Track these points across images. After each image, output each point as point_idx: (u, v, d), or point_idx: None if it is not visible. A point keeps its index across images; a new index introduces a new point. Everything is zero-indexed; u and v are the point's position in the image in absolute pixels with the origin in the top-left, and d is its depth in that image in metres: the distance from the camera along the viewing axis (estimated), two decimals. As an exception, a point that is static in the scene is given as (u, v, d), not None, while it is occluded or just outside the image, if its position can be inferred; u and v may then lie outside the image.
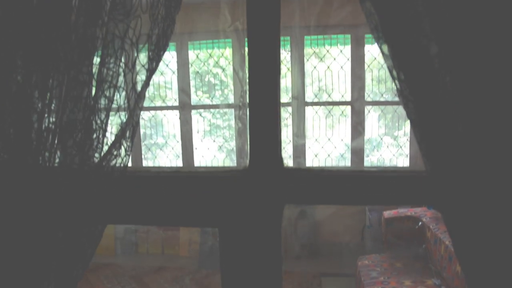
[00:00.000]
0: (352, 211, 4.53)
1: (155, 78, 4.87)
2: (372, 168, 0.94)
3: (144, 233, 4.93)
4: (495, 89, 0.74)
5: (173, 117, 4.97)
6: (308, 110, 4.59)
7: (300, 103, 4.54)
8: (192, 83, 4.83)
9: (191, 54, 4.75)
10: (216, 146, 4.95)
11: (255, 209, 0.95)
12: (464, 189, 0.80)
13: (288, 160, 4.74)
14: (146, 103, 4.96)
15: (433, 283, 3.20)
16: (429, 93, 0.75)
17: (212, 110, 4.95)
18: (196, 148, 4.87)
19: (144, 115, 5.04)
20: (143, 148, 5.06)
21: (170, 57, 4.76)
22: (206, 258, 4.42)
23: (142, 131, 5.08)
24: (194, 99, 4.86)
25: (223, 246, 0.98)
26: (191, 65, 4.77)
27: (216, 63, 4.84)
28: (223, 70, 4.85)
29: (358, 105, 4.45)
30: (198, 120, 4.99)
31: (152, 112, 5.01)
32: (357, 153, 4.56)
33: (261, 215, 0.94)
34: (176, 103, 4.86)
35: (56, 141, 0.99)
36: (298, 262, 4.53)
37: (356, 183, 0.92)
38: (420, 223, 3.66)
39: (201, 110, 4.93)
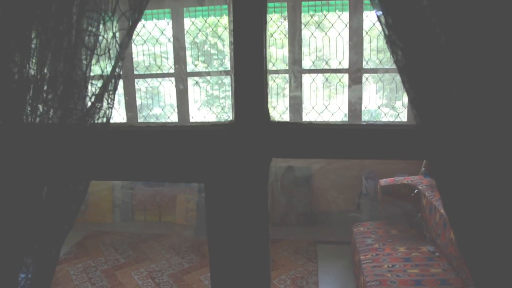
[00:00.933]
0: (349, 179, 4.54)
1: (151, 48, 4.80)
2: (361, 122, 0.92)
3: (142, 201, 4.95)
4: (485, 35, 0.71)
5: (170, 86, 4.93)
6: (306, 78, 4.54)
7: (297, 70, 4.49)
8: (188, 52, 4.76)
9: (187, 22, 4.68)
10: (214, 116, 4.92)
11: (241, 163, 0.93)
12: (454, 141, 0.78)
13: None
14: (141, 71, 4.91)
15: (428, 250, 3.22)
16: (417, 38, 0.72)
17: (210, 81, 4.91)
18: (192, 117, 4.84)
19: (141, 86, 5.00)
20: (140, 119, 5.02)
21: (165, 24, 4.68)
22: (203, 226, 4.44)
23: (138, 101, 5.04)
24: (190, 68, 4.81)
25: (209, 201, 0.97)
26: (187, 33, 4.70)
27: (214, 32, 4.76)
28: (219, 37, 4.78)
29: (355, 73, 4.40)
30: (195, 90, 4.94)
31: (149, 80, 4.97)
32: (354, 120, 4.54)
33: (247, 169, 0.93)
34: (172, 71, 4.81)
35: (37, 94, 0.96)
36: (294, 230, 4.55)
37: (344, 137, 0.90)
38: (416, 190, 3.67)
39: (199, 80, 4.89)
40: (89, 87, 0.93)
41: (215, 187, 0.95)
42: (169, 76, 4.87)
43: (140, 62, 4.93)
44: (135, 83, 4.97)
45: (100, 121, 0.96)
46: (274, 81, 4.69)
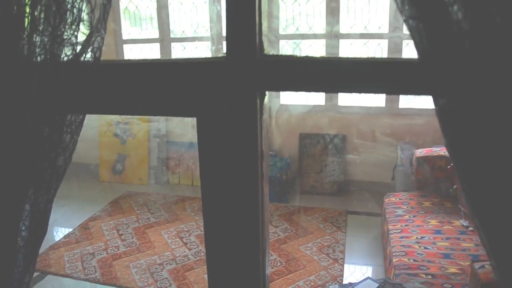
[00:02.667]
0: (384, 150, 4.42)
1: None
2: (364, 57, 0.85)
3: (176, 165, 5.01)
4: None
5: (206, 50, 4.91)
6: (343, 43, 4.41)
7: (333, 35, 4.36)
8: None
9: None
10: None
11: (233, 97, 0.88)
12: (459, 75, 0.70)
13: (321, 97, 4.63)
14: (178, 35, 4.91)
15: (461, 224, 3.10)
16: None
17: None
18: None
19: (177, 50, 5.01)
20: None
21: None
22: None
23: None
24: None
25: (201, 136, 0.94)
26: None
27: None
28: None
29: (395, 37, 4.23)
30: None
31: (185, 44, 4.97)
32: (393, 90, 4.38)
33: (239, 102, 0.88)
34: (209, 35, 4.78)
35: (31, 25, 0.95)
36: (326, 199, 4.50)
37: (342, 70, 0.84)
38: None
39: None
40: (82, 14, 0.91)
41: (207, 122, 0.92)
42: (205, 40, 4.85)
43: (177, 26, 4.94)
44: (171, 47, 5.00)
45: (93, 51, 0.94)
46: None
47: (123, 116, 5.06)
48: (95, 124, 5.18)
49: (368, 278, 2.22)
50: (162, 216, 4.18)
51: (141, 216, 4.21)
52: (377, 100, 4.49)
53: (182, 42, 5.01)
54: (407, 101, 4.46)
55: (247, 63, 0.87)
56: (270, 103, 4.67)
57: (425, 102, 4.44)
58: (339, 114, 4.55)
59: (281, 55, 0.88)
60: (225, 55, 0.89)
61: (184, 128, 4.99)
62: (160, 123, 5.02)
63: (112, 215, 4.24)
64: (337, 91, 0.85)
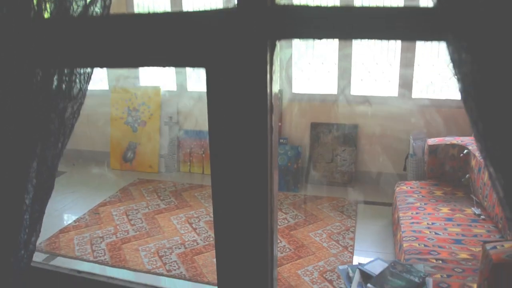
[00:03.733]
0: (396, 140, 4.38)
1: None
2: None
3: (187, 153, 5.02)
4: None
5: None
6: None
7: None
8: None
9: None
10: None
11: (243, 46, 0.87)
12: (477, 19, 0.68)
13: (333, 87, 4.60)
14: None
15: (473, 212, 3.06)
16: None
17: None
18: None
19: None
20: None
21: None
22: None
23: None
24: None
25: (210, 88, 0.93)
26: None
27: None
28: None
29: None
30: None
31: None
32: (406, 79, 4.34)
33: (249, 52, 0.87)
34: None
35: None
36: (337, 189, 4.47)
37: (355, 18, 0.82)
38: (465, 151, 3.48)
39: None
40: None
41: (216, 72, 0.91)
42: None
43: None
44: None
45: (102, 5, 0.94)
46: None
47: (135, 103, 5.08)
48: (107, 111, 5.20)
49: (377, 258, 2.19)
50: (172, 203, 4.19)
51: (151, 202, 4.22)
52: (391, 89, 4.45)
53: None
54: (420, 91, 4.41)
55: (258, 11, 0.86)
56: (282, 92, 4.65)
57: (439, 92, 4.39)
58: (352, 103, 4.52)
59: (292, 4, 0.87)
60: (236, 5, 0.88)
61: (195, 116, 4.99)
62: (172, 110, 5.02)
63: (122, 201, 4.25)
64: (349, 38, 0.84)
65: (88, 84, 1.02)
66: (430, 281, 2.04)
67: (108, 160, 5.25)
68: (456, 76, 0.75)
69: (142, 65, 1.04)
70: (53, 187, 1.14)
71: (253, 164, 0.92)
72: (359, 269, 2.06)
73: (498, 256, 1.89)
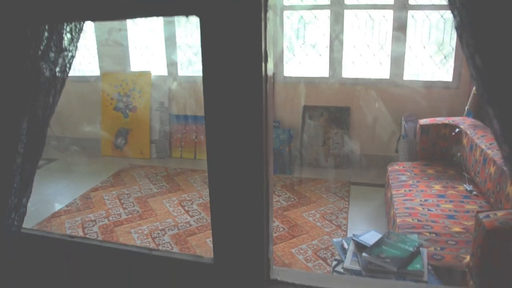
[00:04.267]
0: (388, 122, 4.38)
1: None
2: None
3: (178, 138, 4.99)
4: None
5: None
6: (347, 13, 4.36)
7: (339, 4, 4.31)
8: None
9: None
10: None
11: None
12: None
13: (324, 69, 4.58)
14: None
15: (465, 189, 3.08)
16: None
17: None
18: None
19: None
20: None
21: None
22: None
23: None
24: None
25: (204, 37, 0.91)
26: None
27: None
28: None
29: (400, 9, 4.18)
30: None
31: None
32: (397, 61, 4.34)
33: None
34: None
35: None
36: (330, 171, 4.48)
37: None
38: (457, 129, 3.49)
39: None
40: None
41: (210, 21, 0.89)
42: None
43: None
44: None
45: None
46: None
47: (126, 89, 5.03)
48: (98, 97, 5.15)
49: (372, 230, 2.19)
50: (164, 187, 4.17)
51: (143, 186, 4.19)
52: (382, 72, 4.45)
53: None
54: (411, 73, 4.41)
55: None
56: (274, 76, 4.62)
57: (430, 74, 4.40)
58: (343, 86, 4.51)
59: None
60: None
61: (187, 101, 4.96)
62: (163, 95, 4.99)
63: (114, 186, 4.22)
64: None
65: (80, 35, 1.00)
66: (424, 251, 2.04)
67: (99, 147, 5.21)
68: (453, 11, 0.74)
69: (134, 16, 1.01)
70: (44, 144, 1.12)
71: (248, 113, 0.91)
72: (354, 240, 2.06)
73: (491, 223, 1.90)
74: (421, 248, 2.04)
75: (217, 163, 1.00)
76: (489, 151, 2.89)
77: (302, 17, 4.57)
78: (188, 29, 4.93)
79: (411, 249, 1.98)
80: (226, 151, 0.97)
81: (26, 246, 1.32)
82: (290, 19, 4.61)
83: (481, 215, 1.97)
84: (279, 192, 3.98)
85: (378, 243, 2.00)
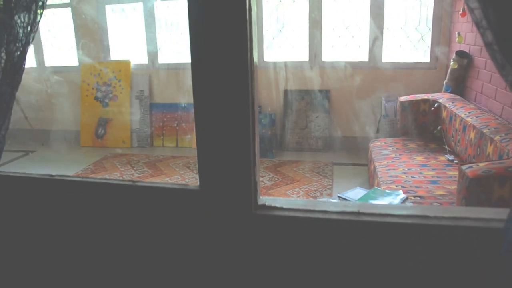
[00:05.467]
0: (368, 104, 4.42)
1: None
2: None
3: (160, 127, 4.95)
4: None
5: None
6: (326, -5, 4.39)
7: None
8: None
9: None
10: None
11: None
12: None
13: (304, 53, 4.60)
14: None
15: (446, 159, 3.12)
16: None
17: None
18: None
19: None
20: None
21: None
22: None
23: None
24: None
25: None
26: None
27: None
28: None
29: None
30: None
31: None
32: (376, 44, 4.38)
33: None
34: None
35: None
36: (312, 154, 4.49)
37: None
38: (436, 104, 3.54)
39: None
40: None
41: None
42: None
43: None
44: None
45: None
46: None
47: (105, 78, 4.98)
48: (77, 88, 5.08)
49: (358, 187, 2.20)
50: (146, 172, 4.13)
51: (125, 172, 4.15)
52: (361, 55, 4.48)
53: None
54: (390, 55, 4.46)
55: None
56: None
57: (408, 55, 4.45)
58: (323, 69, 4.53)
59: None
60: None
61: (167, 89, 4.92)
62: (143, 83, 4.94)
63: (95, 172, 4.17)
64: None
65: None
66: (410, 203, 2.05)
67: (78, 138, 5.13)
68: None
69: None
70: (24, 68, 1.09)
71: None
72: (339, 197, 2.06)
73: (474, 172, 1.92)
74: (406, 201, 2.05)
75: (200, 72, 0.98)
76: (468, 119, 2.93)
77: (280, 1, 4.59)
78: (169, 15, 4.90)
79: (397, 201, 1.99)
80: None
81: (3, 188, 1.29)
82: (268, 3, 4.62)
83: (464, 167, 1.99)
84: (262, 173, 3.97)
85: (364, 197, 2.01)
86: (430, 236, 1.00)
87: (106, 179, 1.25)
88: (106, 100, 5.00)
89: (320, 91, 4.55)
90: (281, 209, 1.08)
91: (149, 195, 1.15)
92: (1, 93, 1.07)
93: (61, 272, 1.29)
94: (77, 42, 5.07)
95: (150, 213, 1.16)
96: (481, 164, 1.99)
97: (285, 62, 4.61)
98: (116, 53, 5.09)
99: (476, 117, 2.90)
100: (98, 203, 1.20)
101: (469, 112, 3.04)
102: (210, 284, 1.16)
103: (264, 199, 1.11)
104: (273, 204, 1.10)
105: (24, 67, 1.09)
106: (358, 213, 1.03)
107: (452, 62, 3.67)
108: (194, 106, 1.03)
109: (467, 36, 3.67)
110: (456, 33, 3.81)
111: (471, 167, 1.97)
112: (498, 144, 2.36)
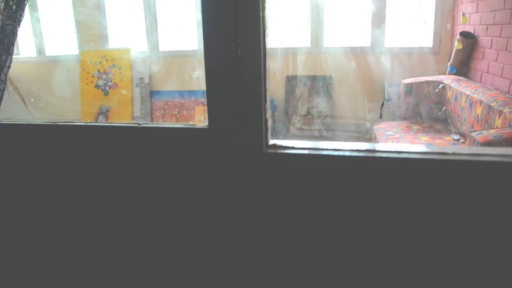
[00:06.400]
0: (371, 89, 4.38)
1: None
2: None
3: (161, 115, 4.91)
4: None
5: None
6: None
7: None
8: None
9: None
10: None
11: None
12: None
13: (306, 39, 4.57)
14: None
15: (452, 138, 3.08)
16: None
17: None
18: None
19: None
20: None
21: None
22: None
23: None
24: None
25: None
26: None
27: None
28: None
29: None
30: None
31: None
32: (378, 29, 4.35)
33: None
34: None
35: None
36: (314, 139, 4.45)
37: None
38: (441, 85, 3.50)
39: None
40: None
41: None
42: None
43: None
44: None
45: None
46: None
47: (106, 66, 4.94)
48: (77, 77, 5.04)
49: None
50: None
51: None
52: (363, 40, 4.45)
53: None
54: (392, 40, 4.42)
55: None
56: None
57: (410, 40, 4.41)
58: (325, 55, 4.50)
59: None
60: None
61: (168, 76, 4.88)
62: (143, 72, 4.90)
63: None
64: None
65: None
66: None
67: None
68: None
69: None
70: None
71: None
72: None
73: (485, 138, 1.88)
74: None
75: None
76: (474, 95, 2.89)
77: (282, -14, 4.56)
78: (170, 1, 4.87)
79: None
80: None
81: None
82: (270, -11, 4.58)
83: (474, 134, 1.95)
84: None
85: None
86: (449, 172, 0.96)
87: (110, 122, 1.21)
88: (107, 88, 4.96)
89: (322, 76, 4.51)
90: (293, 148, 1.04)
91: (156, 136, 1.11)
92: (3, 28, 1.03)
93: (68, 213, 1.26)
94: (77, 30, 5.03)
95: (158, 156, 1.12)
96: (491, 131, 1.95)
97: (287, 48, 4.57)
98: (115, 41, 5.06)
99: (483, 93, 2.86)
100: (104, 147, 1.16)
101: (475, 90, 3.00)
102: (219, 222, 1.12)
103: (275, 140, 1.08)
104: (284, 144, 1.06)
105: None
106: (373, 150, 0.99)
107: (456, 43, 3.63)
108: (204, 44, 0.99)
109: (471, 17, 3.63)
110: (461, 13, 3.77)
111: (481, 133, 1.94)
112: (507, 115, 2.32)
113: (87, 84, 5.01)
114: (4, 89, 1.08)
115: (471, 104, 2.91)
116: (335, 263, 1.08)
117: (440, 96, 3.54)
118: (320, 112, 4.52)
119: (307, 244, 1.08)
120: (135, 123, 1.12)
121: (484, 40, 3.39)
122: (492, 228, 0.97)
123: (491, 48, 3.24)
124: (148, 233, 1.19)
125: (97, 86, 4.98)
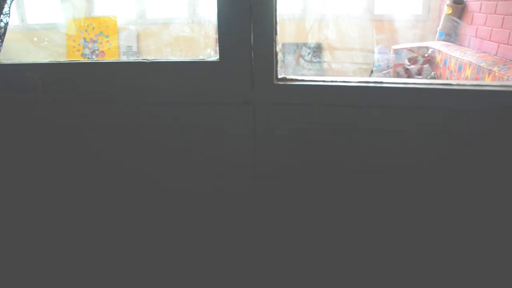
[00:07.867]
0: (360, 56, 4.40)
1: None
2: None
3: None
4: None
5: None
6: None
7: None
8: None
9: None
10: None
11: None
12: None
13: (296, 6, 4.54)
14: None
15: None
16: None
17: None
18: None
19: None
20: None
21: None
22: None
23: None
24: None
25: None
26: None
27: None
28: None
29: None
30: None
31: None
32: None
33: None
34: None
35: None
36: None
37: None
38: (430, 50, 3.54)
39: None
40: None
41: None
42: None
43: None
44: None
45: None
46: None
47: (92, 34, 4.86)
48: (63, 46, 4.96)
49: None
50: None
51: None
52: (353, 7, 4.45)
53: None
54: (381, 7, 4.43)
55: None
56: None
57: (400, 7, 4.42)
58: (315, 22, 4.49)
59: None
60: None
61: (156, 44, 4.83)
62: (131, 39, 4.84)
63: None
64: None
65: None
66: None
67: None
68: None
69: None
70: None
71: None
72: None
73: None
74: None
75: None
76: (464, 58, 2.94)
77: None
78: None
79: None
80: None
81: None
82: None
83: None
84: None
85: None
86: (453, 99, 0.99)
87: (117, 59, 1.20)
88: (93, 57, 4.89)
89: (311, 44, 4.51)
90: (303, 80, 1.06)
91: (164, 72, 1.11)
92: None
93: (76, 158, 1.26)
94: (62, -4, 4.93)
95: (167, 91, 1.12)
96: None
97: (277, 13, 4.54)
98: (102, 9, 4.97)
99: (472, 55, 2.91)
100: (111, 84, 1.16)
101: (464, 53, 3.04)
102: (228, 153, 1.13)
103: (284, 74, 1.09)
104: (294, 77, 1.08)
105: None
106: (380, 82, 1.02)
107: (446, 8, 3.66)
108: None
109: (460, -18, 3.65)
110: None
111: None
112: (497, 73, 2.37)
113: (73, 52, 4.93)
114: (7, 23, 1.06)
115: (460, 67, 2.96)
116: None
117: (429, 61, 3.58)
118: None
119: (314, 171, 1.11)
120: (144, 59, 1.12)
121: (473, 5, 3.43)
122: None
123: (480, 12, 3.27)
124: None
125: (83, 55, 4.91)
